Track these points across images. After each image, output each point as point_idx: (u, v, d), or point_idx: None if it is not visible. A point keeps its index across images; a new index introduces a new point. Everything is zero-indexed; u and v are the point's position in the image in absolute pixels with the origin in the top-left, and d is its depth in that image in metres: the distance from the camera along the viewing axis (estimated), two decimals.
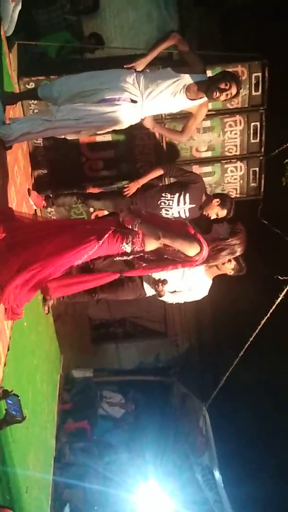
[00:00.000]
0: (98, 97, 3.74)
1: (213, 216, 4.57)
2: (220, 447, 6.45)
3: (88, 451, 7.15)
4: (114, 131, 4.36)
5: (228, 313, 6.96)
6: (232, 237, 3.75)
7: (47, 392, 5.06)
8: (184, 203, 4.62)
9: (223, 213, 4.59)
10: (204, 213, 4.61)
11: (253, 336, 4.95)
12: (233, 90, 3.94)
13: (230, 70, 4.52)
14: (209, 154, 5.42)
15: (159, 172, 4.76)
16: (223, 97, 3.95)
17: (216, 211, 4.59)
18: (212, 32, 7.01)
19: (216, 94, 3.91)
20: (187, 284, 4.30)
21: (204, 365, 8.37)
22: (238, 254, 3.78)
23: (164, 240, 3.22)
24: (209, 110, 4.89)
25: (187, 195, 4.62)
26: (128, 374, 8.39)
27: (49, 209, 5.27)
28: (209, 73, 4.12)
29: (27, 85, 4.89)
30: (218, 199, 4.61)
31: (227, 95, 3.94)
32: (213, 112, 5.19)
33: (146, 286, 4.40)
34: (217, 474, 6.32)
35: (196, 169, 5.41)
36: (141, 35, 7.12)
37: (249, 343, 5.04)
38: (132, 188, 4.72)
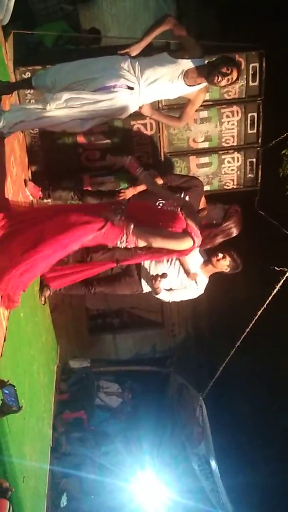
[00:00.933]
0: (94, 86, 3.67)
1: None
2: (217, 437, 6.49)
3: (85, 441, 7.19)
4: (111, 121, 4.32)
5: (225, 304, 6.98)
6: (226, 221, 3.77)
7: (44, 383, 5.06)
8: None
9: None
10: (200, 215, 4.61)
11: (249, 327, 4.98)
12: (234, 75, 3.87)
13: None
14: (206, 144, 5.40)
15: (158, 182, 4.74)
16: (224, 82, 3.87)
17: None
18: (209, 22, 6.98)
19: (218, 79, 3.82)
20: (183, 281, 4.30)
21: (200, 355, 8.40)
22: (234, 235, 3.80)
23: (156, 245, 3.22)
24: (206, 101, 4.89)
25: (186, 198, 4.62)
26: (125, 364, 8.41)
27: (45, 200, 5.25)
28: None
29: (23, 75, 4.84)
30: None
31: (228, 79, 3.86)
32: (210, 103, 5.16)
33: (143, 282, 4.41)
34: (213, 464, 6.38)
35: (193, 159, 5.40)
36: (138, 24, 7.08)
37: (245, 333, 5.07)
38: (128, 194, 4.72)
